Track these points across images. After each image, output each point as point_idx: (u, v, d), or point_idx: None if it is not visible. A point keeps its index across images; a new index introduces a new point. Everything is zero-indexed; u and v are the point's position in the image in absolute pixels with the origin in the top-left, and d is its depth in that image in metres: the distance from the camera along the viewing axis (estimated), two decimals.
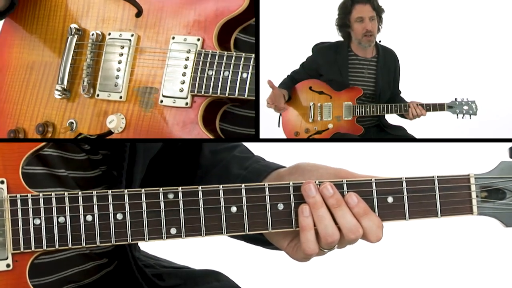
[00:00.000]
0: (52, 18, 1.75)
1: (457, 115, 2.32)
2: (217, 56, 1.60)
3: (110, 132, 1.67)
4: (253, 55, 1.57)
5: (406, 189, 1.51)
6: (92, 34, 1.70)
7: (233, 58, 1.58)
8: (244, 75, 1.57)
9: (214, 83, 1.59)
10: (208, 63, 1.60)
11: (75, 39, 1.70)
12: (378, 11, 2.32)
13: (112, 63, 1.69)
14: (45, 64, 1.74)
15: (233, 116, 1.76)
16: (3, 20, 1.78)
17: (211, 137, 1.61)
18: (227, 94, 1.58)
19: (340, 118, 2.35)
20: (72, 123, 1.70)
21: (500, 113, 2.44)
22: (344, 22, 2.33)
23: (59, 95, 1.71)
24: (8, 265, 1.44)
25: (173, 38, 1.65)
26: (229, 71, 1.58)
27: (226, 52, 1.59)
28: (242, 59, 1.57)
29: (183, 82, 1.62)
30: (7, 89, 1.77)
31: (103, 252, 1.69)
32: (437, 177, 1.52)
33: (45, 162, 1.59)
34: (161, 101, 1.64)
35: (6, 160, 1.45)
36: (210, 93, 1.59)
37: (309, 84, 2.38)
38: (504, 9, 2.43)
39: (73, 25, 1.71)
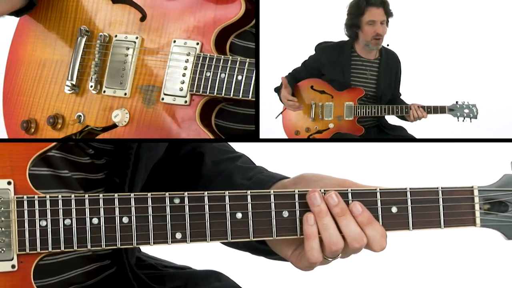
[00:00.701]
0: (63, 20, 1.84)
1: (458, 118, 2.33)
2: (214, 59, 1.69)
3: (114, 125, 1.75)
4: (248, 60, 1.66)
5: (410, 199, 1.51)
6: (100, 36, 1.78)
7: (229, 61, 1.67)
8: (239, 77, 1.66)
9: (211, 84, 1.68)
10: (206, 65, 1.69)
11: (84, 40, 1.79)
12: (389, 15, 2.32)
13: (118, 62, 1.77)
14: (56, 62, 1.83)
15: (227, 113, 1.82)
16: (18, 18, 1.87)
17: (208, 132, 1.69)
18: (223, 94, 1.67)
19: (341, 118, 2.35)
20: (80, 116, 1.79)
21: (500, 116, 2.45)
22: (354, 23, 2.32)
23: (68, 90, 1.80)
24: (13, 266, 1.44)
25: (174, 41, 1.74)
26: (225, 73, 1.67)
27: (222, 56, 1.69)
28: (238, 63, 1.67)
29: (182, 82, 1.71)
30: (21, 83, 1.86)
31: (104, 254, 1.69)
32: (441, 188, 1.52)
33: (49, 163, 1.59)
34: (162, 99, 1.73)
35: (14, 161, 1.46)
36: (208, 93, 1.69)
37: (311, 83, 2.38)
38: (504, 13, 2.44)
39: (83, 27, 1.80)
